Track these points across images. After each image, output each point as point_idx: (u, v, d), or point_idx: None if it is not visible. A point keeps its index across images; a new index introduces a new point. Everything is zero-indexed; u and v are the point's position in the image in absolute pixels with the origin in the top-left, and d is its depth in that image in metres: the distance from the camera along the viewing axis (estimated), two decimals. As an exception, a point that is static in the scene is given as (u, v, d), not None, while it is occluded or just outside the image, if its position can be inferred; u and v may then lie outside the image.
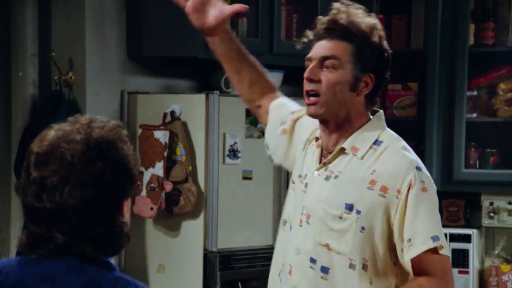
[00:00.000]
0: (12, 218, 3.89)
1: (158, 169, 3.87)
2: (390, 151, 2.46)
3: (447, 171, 4.66)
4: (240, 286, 3.98)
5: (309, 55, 2.50)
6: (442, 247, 2.40)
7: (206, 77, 4.26)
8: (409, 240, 2.39)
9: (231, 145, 3.94)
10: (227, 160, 3.93)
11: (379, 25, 2.50)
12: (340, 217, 2.42)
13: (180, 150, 3.90)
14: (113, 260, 1.83)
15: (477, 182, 4.69)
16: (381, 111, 2.54)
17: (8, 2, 3.89)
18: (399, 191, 2.41)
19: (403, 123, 4.77)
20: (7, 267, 1.79)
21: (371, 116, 2.53)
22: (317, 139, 2.56)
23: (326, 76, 2.45)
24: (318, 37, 2.50)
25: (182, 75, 4.30)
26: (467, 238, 4.68)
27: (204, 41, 3.94)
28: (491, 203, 4.78)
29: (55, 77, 3.89)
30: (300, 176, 2.55)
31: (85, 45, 3.90)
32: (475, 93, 4.78)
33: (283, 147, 2.68)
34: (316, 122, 2.56)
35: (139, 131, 3.93)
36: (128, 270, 3.96)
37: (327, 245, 2.44)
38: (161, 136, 3.88)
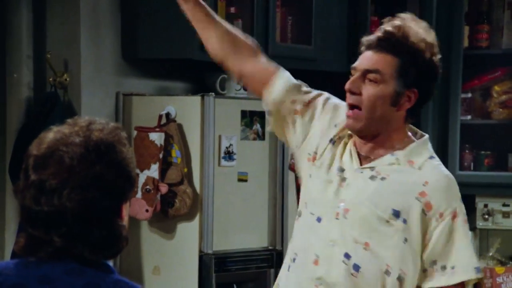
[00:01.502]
0: (7, 220, 3.88)
1: (154, 171, 3.87)
2: (443, 169, 2.47)
3: (441, 173, 4.67)
4: (235, 288, 3.99)
5: (354, 65, 2.46)
6: (482, 279, 2.47)
7: (201, 79, 4.26)
8: (453, 267, 2.39)
9: (226, 147, 3.94)
10: (223, 162, 3.93)
11: (433, 41, 2.47)
12: (387, 221, 2.40)
13: (175, 152, 3.90)
14: (111, 263, 1.82)
15: (472, 184, 4.69)
16: (427, 135, 2.53)
17: (3, 4, 3.88)
18: (441, 215, 2.40)
19: (397, 125, 4.78)
20: (5, 269, 1.78)
21: (409, 133, 2.50)
22: (351, 136, 2.52)
23: (367, 90, 2.41)
24: (368, 46, 2.45)
25: (177, 77, 4.29)
26: (461, 240, 4.68)
27: (199, 43, 3.97)
28: (486, 205, 4.78)
29: (50, 79, 3.89)
30: (337, 171, 2.48)
31: (80, 47, 3.90)
32: (469, 95, 4.78)
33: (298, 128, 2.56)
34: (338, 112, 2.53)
35: (135, 133, 3.92)
36: (123, 272, 3.95)
37: (366, 244, 2.41)
38: (157, 138, 3.87)
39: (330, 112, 2.55)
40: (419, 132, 2.55)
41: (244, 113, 4.02)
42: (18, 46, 3.89)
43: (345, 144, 2.52)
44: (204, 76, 4.23)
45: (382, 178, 2.44)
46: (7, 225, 3.88)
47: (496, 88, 4.76)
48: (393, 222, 2.40)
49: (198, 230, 3.90)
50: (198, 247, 3.90)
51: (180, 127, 3.92)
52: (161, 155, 3.88)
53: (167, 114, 3.92)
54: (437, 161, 2.49)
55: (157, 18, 4.01)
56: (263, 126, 4.06)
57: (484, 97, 4.80)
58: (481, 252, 4.88)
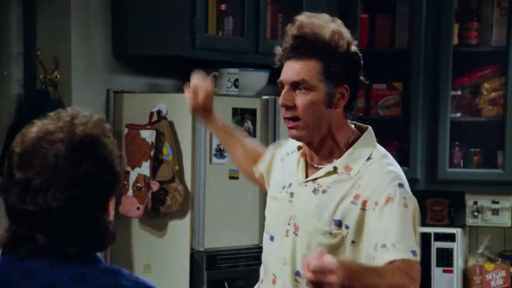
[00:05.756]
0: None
1: (145, 168, 3.85)
2: (375, 166, 2.44)
3: (431, 171, 4.68)
4: (226, 285, 3.97)
5: (280, 79, 2.47)
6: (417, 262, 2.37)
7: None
8: (393, 245, 2.33)
9: (217, 145, 3.93)
10: (214, 159, 3.92)
11: (344, 31, 2.45)
12: (330, 233, 2.41)
13: (166, 150, 3.89)
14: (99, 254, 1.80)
15: (461, 182, 4.71)
16: (370, 128, 2.52)
17: (-7, 1, 3.86)
18: (376, 203, 2.38)
19: (387, 122, 4.79)
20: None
21: (352, 126, 2.52)
22: (300, 148, 2.55)
23: (300, 100, 2.42)
24: (286, 57, 2.45)
25: (168, 74, 4.28)
26: (451, 237, 4.70)
27: (190, 40, 3.97)
28: (475, 202, 4.79)
29: (41, 76, 3.87)
30: (284, 187, 2.54)
31: (70, 44, 3.88)
32: (459, 92, 4.80)
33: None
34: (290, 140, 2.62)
35: (125, 130, 3.91)
36: (114, 270, 3.93)
37: None
38: (148, 135, 3.86)
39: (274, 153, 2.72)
40: (364, 126, 2.54)
41: (235, 111, 4.02)
42: (8, 43, 3.87)
43: (294, 157, 2.56)
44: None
45: (323, 191, 2.45)
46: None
47: (486, 85, 4.77)
48: (336, 231, 2.41)
49: (189, 228, 3.90)
50: (189, 245, 3.89)
51: (171, 124, 3.91)
52: (152, 153, 3.86)
53: (158, 112, 3.91)
54: (376, 158, 2.46)
55: (147, 15, 4.00)
56: (254, 124, 4.06)
57: (473, 95, 4.81)
58: (471, 249, 4.89)
